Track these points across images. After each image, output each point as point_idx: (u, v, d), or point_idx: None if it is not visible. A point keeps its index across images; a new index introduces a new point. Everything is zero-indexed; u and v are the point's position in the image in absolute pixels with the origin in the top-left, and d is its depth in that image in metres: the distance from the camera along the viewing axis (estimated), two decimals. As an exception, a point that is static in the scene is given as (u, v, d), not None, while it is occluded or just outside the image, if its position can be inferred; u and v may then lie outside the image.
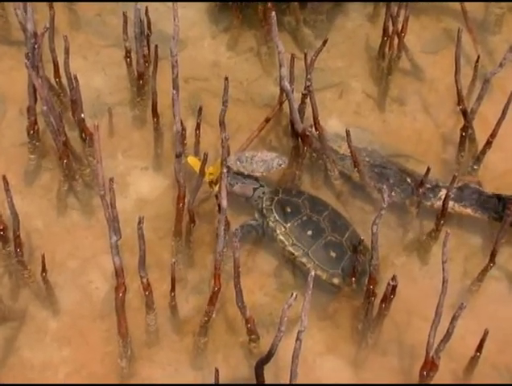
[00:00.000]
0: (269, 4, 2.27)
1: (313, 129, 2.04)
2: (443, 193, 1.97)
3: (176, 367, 1.78)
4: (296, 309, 1.48)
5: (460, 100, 2.09)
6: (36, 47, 1.88)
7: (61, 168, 2.01)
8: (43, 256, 1.82)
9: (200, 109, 2.04)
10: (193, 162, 1.96)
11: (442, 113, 2.21)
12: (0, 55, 2.27)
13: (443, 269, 1.57)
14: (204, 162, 1.82)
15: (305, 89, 2.02)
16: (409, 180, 2.01)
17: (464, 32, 2.14)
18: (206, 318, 1.79)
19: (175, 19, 1.74)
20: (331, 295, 1.86)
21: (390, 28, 2.25)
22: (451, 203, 1.96)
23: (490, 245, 1.90)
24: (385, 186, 1.74)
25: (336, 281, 1.85)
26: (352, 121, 2.17)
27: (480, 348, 1.74)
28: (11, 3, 2.10)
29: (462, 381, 1.77)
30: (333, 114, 2.20)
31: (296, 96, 2.00)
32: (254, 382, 1.61)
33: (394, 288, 1.74)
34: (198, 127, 2.06)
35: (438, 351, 1.63)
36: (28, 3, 1.89)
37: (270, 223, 1.90)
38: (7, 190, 1.76)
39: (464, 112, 2.08)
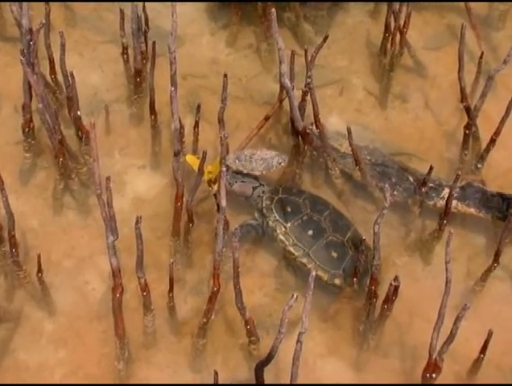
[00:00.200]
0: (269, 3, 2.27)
1: (314, 126, 2.04)
2: (446, 192, 1.97)
3: (174, 370, 1.78)
4: (297, 310, 1.48)
5: (463, 97, 2.09)
6: (32, 43, 1.88)
7: (57, 167, 2.01)
8: (39, 256, 1.82)
9: (199, 107, 2.04)
10: (192, 160, 1.96)
11: (445, 111, 2.21)
12: (-5, 51, 2.27)
13: (447, 270, 1.56)
14: (202, 160, 1.82)
15: (305, 86, 2.02)
16: (411, 179, 2.01)
17: (468, 28, 2.14)
18: (205, 320, 1.79)
19: (173, 15, 1.74)
20: (332, 296, 1.86)
21: (392, 24, 2.25)
22: (454, 203, 1.95)
23: (494, 245, 1.90)
24: (387, 185, 1.74)
25: (337, 281, 1.85)
26: (353, 119, 2.17)
27: (484, 350, 1.74)
28: (6, -1, 2.10)
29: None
30: (334, 112, 2.20)
31: (296, 94, 2.00)
32: (254, 384, 1.62)
33: (396, 288, 1.74)
34: (196, 125, 2.06)
35: (441, 353, 1.63)
36: (23, -1, 1.89)
37: (270, 222, 1.90)
38: (2, 189, 1.76)
39: (468, 110, 2.08)
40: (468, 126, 2.10)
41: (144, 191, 2.03)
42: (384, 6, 2.29)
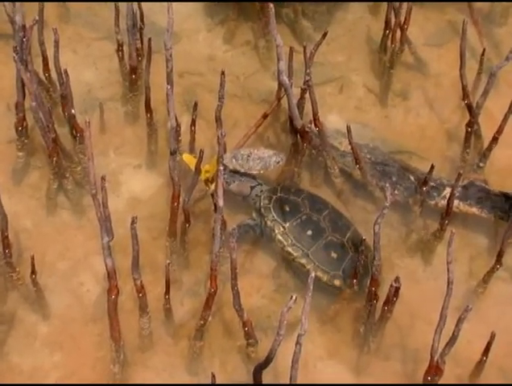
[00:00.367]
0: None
1: (313, 125, 2.04)
2: (447, 191, 1.97)
3: (171, 373, 1.78)
4: (296, 311, 1.48)
5: (465, 94, 2.09)
6: (25, 40, 1.88)
7: (51, 166, 2.01)
8: (33, 258, 1.81)
9: (196, 105, 2.04)
10: (188, 159, 1.96)
11: (446, 109, 2.21)
12: (-13, 48, 2.27)
13: (448, 270, 1.57)
14: (199, 159, 1.82)
15: (304, 84, 2.02)
16: (412, 178, 2.01)
17: (470, 24, 2.14)
18: (202, 322, 1.79)
19: (169, 11, 1.74)
20: (332, 297, 1.86)
21: (393, 20, 2.26)
22: (456, 202, 1.96)
23: (497, 245, 1.91)
24: (387, 185, 1.74)
25: (337, 282, 1.85)
26: (353, 117, 2.17)
27: (486, 352, 1.74)
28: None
29: (468, 386, 1.78)
30: (333, 110, 2.20)
31: (295, 91, 2.00)
32: (252, 388, 1.62)
33: (397, 290, 1.74)
34: (193, 123, 2.06)
35: (443, 356, 1.63)
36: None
37: (269, 222, 1.90)
38: (-5, 189, 1.77)
39: (470, 108, 2.08)
40: (469, 124, 2.10)
41: (140, 191, 2.03)
42: (384, 2, 2.29)
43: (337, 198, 2.02)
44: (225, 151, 1.91)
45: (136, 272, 1.72)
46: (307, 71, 1.98)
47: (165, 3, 1.77)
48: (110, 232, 1.61)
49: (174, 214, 1.90)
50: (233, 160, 1.96)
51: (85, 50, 2.29)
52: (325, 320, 1.84)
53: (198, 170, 1.84)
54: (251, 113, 2.15)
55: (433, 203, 2.00)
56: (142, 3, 2.21)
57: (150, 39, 2.09)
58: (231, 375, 1.77)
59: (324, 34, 2.05)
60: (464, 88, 2.08)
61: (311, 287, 1.43)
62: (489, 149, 2.07)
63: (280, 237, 1.87)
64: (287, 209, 1.90)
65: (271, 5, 1.85)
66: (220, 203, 1.65)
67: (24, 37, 1.88)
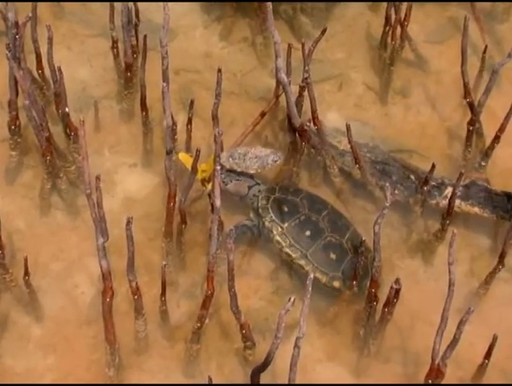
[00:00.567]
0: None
1: (311, 123, 2.04)
2: (448, 191, 1.97)
3: (167, 376, 1.78)
4: (294, 314, 1.48)
5: (466, 92, 2.09)
6: (18, 37, 1.88)
7: (44, 165, 2.01)
8: (26, 259, 1.82)
9: (192, 103, 2.04)
10: (185, 158, 1.96)
11: (447, 106, 2.21)
12: (-21, 45, 2.27)
13: (450, 271, 1.57)
14: (196, 158, 1.82)
15: (303, 81, 2.02)
16: (413, 177, 2.01)
17: (471, 21, 2.14)
18: (198, 324, 1.79)
19: (165, 8, 1.74)
20: (331, 299, 1.87)
21: (393, 17, 2.26)
22: (457, 202, 1.96)
23: (499, 246, 1.91)
24: (387, 184, 1.74)
25: (336, 284, 1.85)
26: (352, 115, 2.17)
27: (488, 355, 1.74)
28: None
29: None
30: (332, 107, 2.20)
31: (293, 89, 2.00)
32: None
33: (397, 291, 1.74)
34: (189, 122, 2.06)
35: (444, 358, 1.63)
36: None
37: (267, 223, 1.90)
38: (-13, 189, 1.77)
39: (471, 106, 2.09)
40: (471, 122, 2.11)
41: (135, 191, 2.03)
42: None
43: (336, 197, 2.02)
44: (222, 150, 1.91)
45: (131, 273, 1.72)
46: (306, 68, 1.98)
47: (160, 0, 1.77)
48: (105, 233, 1.61)
49: (170, 214, 1.90)
50: (230, 159, 1.96)
51: (79, 47, 2.29)
52: (324, 322, 1.85)
53: (194, 169, 1.84)
54: (248, 111, 2.16)
55: (434, 202, 2.00)
56: (138, 2, 2.21)
57: (145, 36, 2.09)
58: (228, 378, 1.77)
59: (323, 31, 2.05)
60: (465, 85, 2.09)
61: (310, 289, 1.43)
62: (491, 147, 2.07)
63: (278, 238, 1.88)
64: (286, 209, 1.90)
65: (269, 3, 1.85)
66: (218, 203, 1.65)
67: (17, 34, 1.88)
